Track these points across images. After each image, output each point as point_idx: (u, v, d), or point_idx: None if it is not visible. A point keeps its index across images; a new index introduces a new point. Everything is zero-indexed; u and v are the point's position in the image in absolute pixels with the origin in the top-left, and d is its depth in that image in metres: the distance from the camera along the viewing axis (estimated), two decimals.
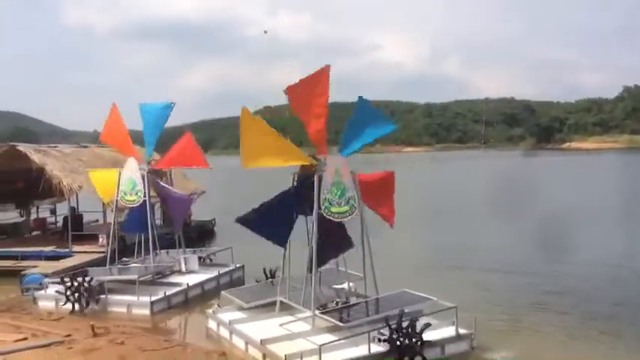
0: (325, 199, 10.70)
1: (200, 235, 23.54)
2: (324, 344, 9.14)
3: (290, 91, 10.86)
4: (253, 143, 10.78)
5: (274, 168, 10.87)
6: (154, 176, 15.38)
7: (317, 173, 10.76)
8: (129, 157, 15.14)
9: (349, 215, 10.95)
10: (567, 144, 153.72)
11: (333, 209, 10.79)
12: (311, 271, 10.77)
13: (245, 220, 11.00)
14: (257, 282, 13.55)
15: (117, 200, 14.90)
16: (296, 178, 11.35)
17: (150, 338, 11.20)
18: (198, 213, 24.44)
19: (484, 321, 11.35)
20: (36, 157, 17.52)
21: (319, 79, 10.97)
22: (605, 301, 13.81)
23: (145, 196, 14.73)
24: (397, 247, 19.56)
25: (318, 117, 11.01)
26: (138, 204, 14.77)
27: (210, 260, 17.38)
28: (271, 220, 10.86)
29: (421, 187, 45.22)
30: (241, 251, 16.78)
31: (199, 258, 16.57)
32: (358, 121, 11.39)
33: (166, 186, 15.83)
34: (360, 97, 11.59)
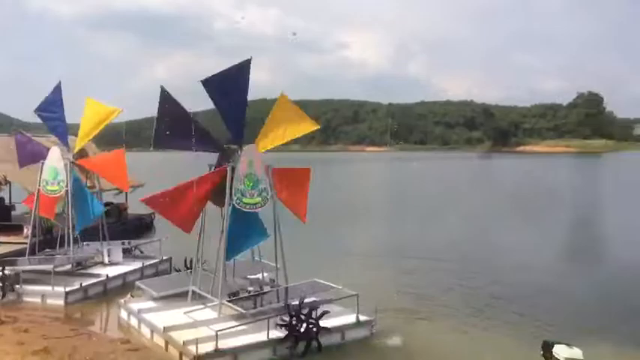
0: (237, 189, 10.85)
1: (137, 229, 23.32)
2: (220, 330, 9.30)
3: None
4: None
5: None
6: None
7: (230, 164, 10.92)
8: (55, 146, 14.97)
9: (261, 206, 11.12)
10: (522, 147, 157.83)
11: (245, 200, 10.96)
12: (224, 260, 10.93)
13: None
14: (176, 272, 13.62)
15: (38, 190, 14.70)
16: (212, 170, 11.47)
17: (57, 327, 11.16)
18: (138, 206, 24.23)
19: (388, 308, 11.97)
20: None
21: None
22: (498, 290, 14.61)
23: (67, 185, 14.57)
24: (322, 239, 20.78)
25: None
26: (60, 194, 14.60)
27: (141, 252, 17.34)
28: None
29: (361, 186, 46.23)
30: (178, 244, 16.80)
31: (127, 250, 16.52)
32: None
33: None
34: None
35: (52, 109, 15.28)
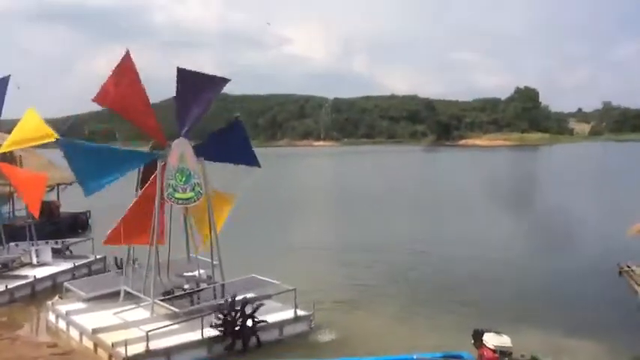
0: (169, 184, 10.52)
1: (71, 227, 22.40)
2: (151, 330, 9.00)
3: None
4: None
5: None
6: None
7: (160, 161, 10.56)
8: None
9: (194, 201, 10.86)
10: (464, 141, 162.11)
11: (178, 195, 10.65)
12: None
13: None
14: (110, 272, 13.14)
15: None
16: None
17: None
18: (71, 205, 23.30)
19: (329, 301, 12.04)
20: None
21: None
22: (433, 284, 14.83)
23: None
24: (262, 234, 20.92)
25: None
26: None
27: (71, 252, 16.62)
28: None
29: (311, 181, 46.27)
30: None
31: (58, 250, 15.80)
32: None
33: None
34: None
35: None
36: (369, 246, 19.51)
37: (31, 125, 13.70)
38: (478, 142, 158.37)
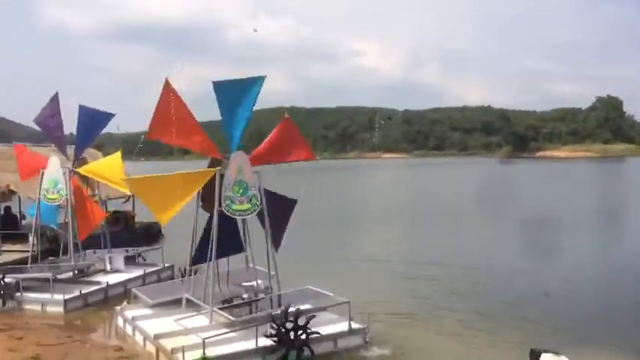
0: (227, 196, 10.85)
1: (145, 236, 23.50)
2: (207, 338, 9.29)
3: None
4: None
5: None
6: None
7: (220, 171, 10.93)
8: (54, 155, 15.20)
9: (250, 213, 11.13)
10: (542, 152, 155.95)
11: (235, 207, 10.95)
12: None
13: (197, 260, 11.28)
14: (175, 280, 13.68)
15: (39, 199, 14.91)
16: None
17: (52, 334, 11.27)
18: (146, 215, 24.45)
19: (386, 315, 11.97)
20: None
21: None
22: (493, 300, 14.34)
23: (66, 194, 14.77)
24: (321, 245, 21.25)
25: (193, 133, 11.05)
26: (60, 202, 14.80)
27: (144, 260, 17.47)
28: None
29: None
30: (184, 251, 16.96)
31: (131, 258, 16.66)
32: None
33: None
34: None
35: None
36: (432, 259, 19.16)
37: (113, 167, 15.04)
38: (557, 153, 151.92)
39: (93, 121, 15.86)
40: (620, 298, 14.36)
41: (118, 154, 15.91)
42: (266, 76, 11.10)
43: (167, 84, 10.73)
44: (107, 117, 16.13)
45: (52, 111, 15.35)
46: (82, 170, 15.48)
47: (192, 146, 11.15)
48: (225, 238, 10.99)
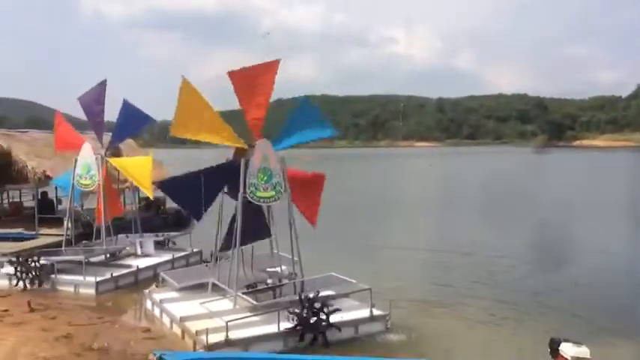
0: (251, 183, 11.01)
1: (176, 222, 23.98)
2: (231, 320, 9.51)
3: (233, 76, 11.04)
4: (187, 113, 10.97)
5: None
6: None
7: (245, 157, 11.09)
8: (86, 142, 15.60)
9: (275, 200, 11.27)
10: (579, 141, 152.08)
11: (259, 194, 11.11)
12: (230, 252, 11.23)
13: (164, 185, 11.35)
14: (205, 263, 14.00)
15: (72, 184, 15.38)
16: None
17: (84, 315, 11.67)
18: None
19: (408, 301, 12.08)
20: (1, 141, 18.05)
21: (267, 70, 11.19)
22: (518, 288, 14.18)
23: (99, 180, 15.21)
24: (347, 232, 21.40)
25: (259, 106, 11.26)
26: (93, 188, 15.25)
27: (174, 243, 17.92)
28: (190, 190, 10.98)
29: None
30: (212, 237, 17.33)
31: (161, 242, 17.08)
32: (298, 120, 11.72)
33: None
34: (304, 99, 11.91)
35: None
36: (458, 248, 19.08)
37: (141, 170, 15.32)
38: (595, 142, 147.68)
39: (134, 118, 16.24)
40: None
41: (149, 158, 16.15)
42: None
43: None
44: (148, 120, 16.52)
45: (97, 95, 15.60)
46: (113, 161, 15.84)
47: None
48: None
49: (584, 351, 7.34)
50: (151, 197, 16.18)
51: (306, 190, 11.89)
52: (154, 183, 11.62)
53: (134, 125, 16.68)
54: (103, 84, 15.69)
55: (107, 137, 16.37)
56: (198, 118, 11.06)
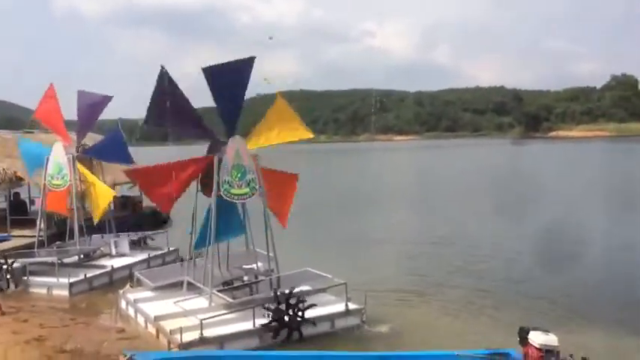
0: (225, 181, 10.94)
1: (152, 222, 23.73)
2: (205, 319, 9.47)
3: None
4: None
5: None
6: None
7: (217, 155, 11.00)
8: (58, 141, 15.36)
9: (249, 197, 11.22)
10: (555, 132, 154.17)
11: (234, 191, 11.05)
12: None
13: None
14: (180, 262, 13.90)
15: (44, 184, 15.13)
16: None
17: (57, 317, 11.51)
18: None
19: (384, 295, 12.19)
20: None
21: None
22: (496, 278, 14.36)
23: (71, 179, 14.98)
24: (323, 228, 21.43)
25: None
26: (64, 188, 15.02)
27: (147, 243, 17.71)
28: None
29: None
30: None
31: (135, 241, 16.90)
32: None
33: None
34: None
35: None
36: (436, 239, 19.31)
37: (103, 198, 15.41)
38: (571, 133, 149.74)
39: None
40: (630, 279, 14.28)
41: (111, 194, 15.91)
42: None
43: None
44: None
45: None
46: (81, 169, 15.54)
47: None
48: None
49: (551, 339, 7.47)
50: (95, 220, 15.74)
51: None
52: (124, 172, 11.53)
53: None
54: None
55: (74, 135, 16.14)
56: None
